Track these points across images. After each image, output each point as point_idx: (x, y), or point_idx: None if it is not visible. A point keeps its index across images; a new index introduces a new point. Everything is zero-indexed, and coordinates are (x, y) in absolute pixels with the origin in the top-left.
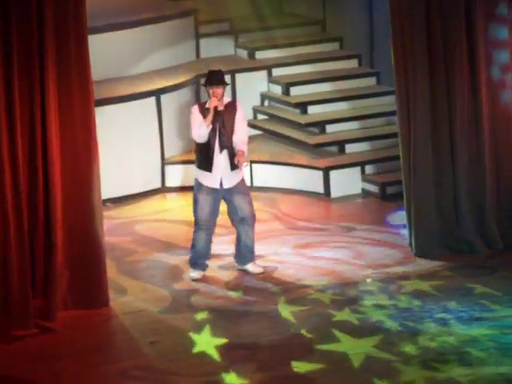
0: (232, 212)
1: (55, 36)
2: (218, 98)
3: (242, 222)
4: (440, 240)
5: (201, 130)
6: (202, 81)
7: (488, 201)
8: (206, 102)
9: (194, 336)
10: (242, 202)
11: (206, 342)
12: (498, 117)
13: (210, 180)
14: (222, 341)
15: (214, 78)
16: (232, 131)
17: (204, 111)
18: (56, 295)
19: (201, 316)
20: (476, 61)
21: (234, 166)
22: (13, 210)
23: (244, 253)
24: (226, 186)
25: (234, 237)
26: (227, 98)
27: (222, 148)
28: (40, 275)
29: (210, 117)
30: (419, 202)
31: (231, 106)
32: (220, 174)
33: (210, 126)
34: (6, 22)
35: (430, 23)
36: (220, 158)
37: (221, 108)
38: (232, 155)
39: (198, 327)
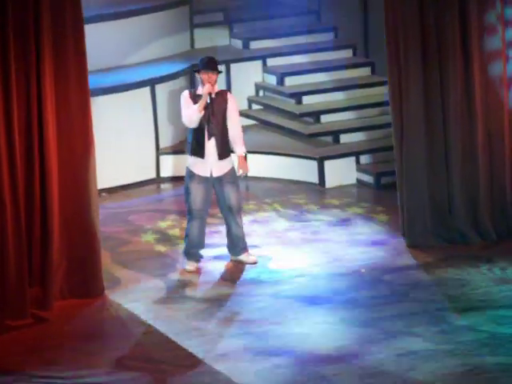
0: (221, 201)
1: (52, 27)
2: (212, 84)
3: (230, 210)
4: (433, 231)
5: (193, 115)
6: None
7: (481, 192)
8: (196, 89)
9: (187, 327)
10: (229, 190)
11: (201, 332)
12: (491, 110)
13: (201, 168)
14: (218, 331)
15: (210, 64)
16: (222, 120)
17: (195, 97)
18: (53, 284)
19: (195, 306)
20: (469, 52)
21: (221, 156)
22: (9, 199)
23: (235, 242)
24: (215, 175)
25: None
26: (219, 88)
27: (210, 135)
28: (37, 264)
29: (202, 102)
30: (412, 193)
31: (223, 95)
32: (210, 162)
33: (203, 112)
34: (2, 12)
35: (423, 16)
36: (209, 145)
37: (213, 95)
38: (221, 143)
39: (192, 317)
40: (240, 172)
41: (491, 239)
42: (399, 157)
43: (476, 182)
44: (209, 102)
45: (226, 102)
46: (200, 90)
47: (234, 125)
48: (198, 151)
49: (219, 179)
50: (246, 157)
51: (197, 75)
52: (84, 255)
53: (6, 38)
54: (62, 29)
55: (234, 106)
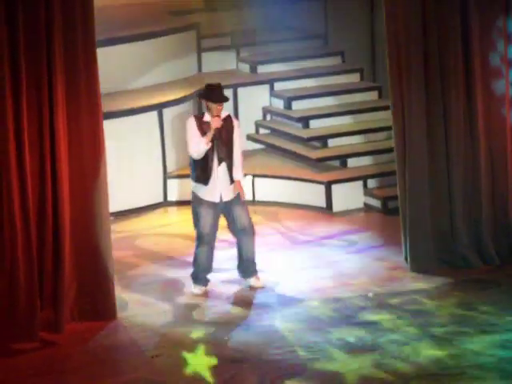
0: (231, 223)
1: (64, 50)
2: (219, 115)
3: (243, 232)
4: (436, 255)
5: (200, 147)
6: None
7: (484, 216)
8: (202, 115)
9: (195, 350)
10: (240, 212)
11: (206, 357)
12: (493, 132)
13: (209, 194)
14: (222, 355)
15: (217, 95)
16: (230, 145)
17: (202, 125)
18: (64, 307)
19: (202, 330)
20: (472, 72)
21: (232, 179)
22: (21, 222)
23: (247, 264)
24: (225, 199)
25: (235, 250)
26: (224, 112)
27: (220, 161)
28: (48, 287)
29: (209, 136)
30: (414, 217)
31: (228, 120)
32: (219, 187)
33: (210, 144)
34: (14, 34)
35: (426, 35)
36: (219, 171)
37: (220, 123)
38: (231, 168)
39: (199, 342)
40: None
41: (494, 263)
42: (402, 182)
43: (478, 205)
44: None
45: (232, 127)
46: (207, 117)
47: (236, 150)
48: (204, 178)
49: (228, 202)
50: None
51: (203, 102)
52: (95, 278)
53: (17, 61)
54: (74, 51)
55: (239, 131)
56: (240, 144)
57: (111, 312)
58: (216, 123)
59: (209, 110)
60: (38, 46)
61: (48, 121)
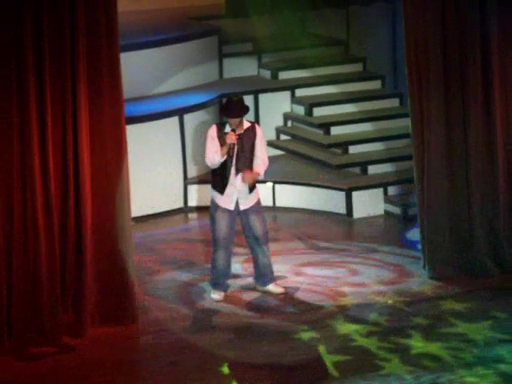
0: (247, 231)
1: (88, 55)
2: (236, 126)
3: (257, 241)
4: (454, 262)
5: (215, 158)
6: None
7: (502, 224)
8: (225, 124)
9: (215, 356)
10: (255, 220)
11: (227, 363)
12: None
13: (225, 201)
14: (242, 361)
15: (234, 110)
16: (250, 154)
17: (222, 134)
18: (86, 311)
19: (222, 336)
20: (490, 81)
21: (251, 190)
22: (44, 226)
23: (264, 272)
24: (242, 208)
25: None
26: (247, 122)
27: (237, 171)
28: (70, 291)
29: (224, 150)
30: (433, 225)
31: (251, 130)
32: (236, 196)
33: (225, 157)
34: (39, 41)
35: (445, 43)
36: (236, 182)
37: (240, 132)
38: None
39: (219, 347)
40: (245, 179)
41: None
42: (421, 189)
43: (497, 214)
44: (236, 143)
45: (255, 135)
46: (228, 129)
47: (261, 153)
48: (219, 188)
49: (245, 211)
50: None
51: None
52: (116, 282)
53: (41, 66)
54: (98, 56)
55: (261, 139)
56: (265, 148)
57: (133, 316)
58: (230, 139)
59: (228, 122)
60: (62, 51)
61: (71, 125)
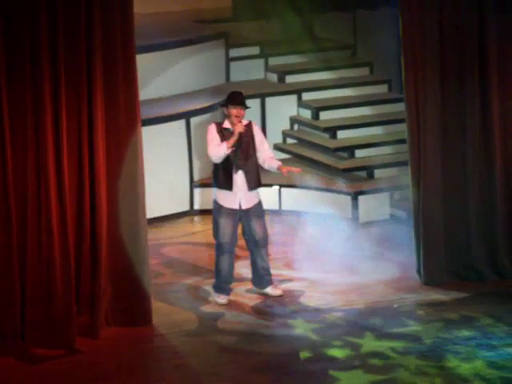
0: (247, 234)
1: (104, 59)
2: (241, 120)
3: (256, 244)
4: (449, 268)
5: (221, 151)
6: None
7: (499, 229)
8: (222, 123)
9: (219, 360)
10: (256, 224)
11: (233, 365)
12: (509, 145)
13: (230, 200)
14: (245, 365)
15: (239, 99)
16: (251, 152)
17: (222, 131)
18: (100, 312)
19: (226, 340)
20: (488, 82)
21: (251, 187)
22: (58, 226)
23: (262, 275)
24: (244, 207)
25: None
26: (244, 120)
27: (237, 169)
28: (85, 292)
29: (232, 141)
30: (428, 229)
31: (249, 127)
32: (239, 195)
33: (231, 149)
34: (54, 40)
35: (442, 43)
36: (237, 178)
37: (244, 128)
38: (250, 175)
39: (223, 351)
40: (289, 171)
41: (509, 276)
42: (416, 194)
43: (493, 219)
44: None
45: (252, 133)
46: (227, 124)
47: (266, 150)
48: (226, 184)
49: (246, 212)
50: None
51: (224, 110)
52: (131, 283)
53: (57, 66)
54: (113, 57)
55: (262, 135)
56: (267, 146)
57: (147, 318)
58: (239, 128)
59: (229, 117)
60: (77, 51)
61: (87, 125)
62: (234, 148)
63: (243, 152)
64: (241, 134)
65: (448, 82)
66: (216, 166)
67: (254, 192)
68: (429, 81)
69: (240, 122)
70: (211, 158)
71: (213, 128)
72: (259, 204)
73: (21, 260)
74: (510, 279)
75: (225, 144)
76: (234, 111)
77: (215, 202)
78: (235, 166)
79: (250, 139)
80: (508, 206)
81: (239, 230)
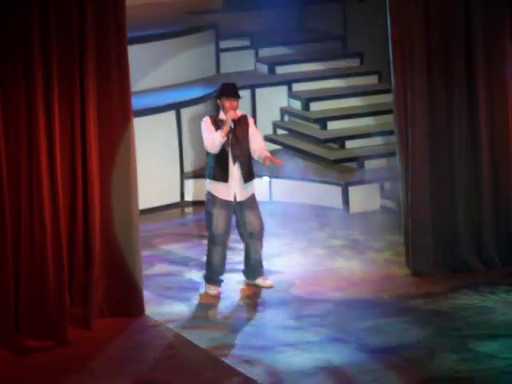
0: (241, 226)
1: (96, 50)
2: (235, 110)
3: (251, 236)
4: (437, 259)
5: (216, 140)
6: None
7: (486, 220)
8: (218, 115)
9: (211, 351)
10: (251, 216)
11: (224, 357)
12: (497, 136)
13: (224, 192)
14: (235, 356)
15: (232, 91)
16: (245, 143)
17: (217, 123)
18: (93, 303)
19: (217, 331)
20: (475, 79)
21: (246, 179)
22: (50, 219)
23: (254, 267)
24: (238, 199)
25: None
26: (239, 111)
27: (234, 160)
28: (77, 283)
29: (226, 128)
30: (416, 220)
31: (243, 119)
32: (233, 187)
33: (225, 138)
34: (46, 32)
35: (429, 39)
36: (233, 170)
37: (236, 115)
38: (246, 167)
39: (214, 342)
40: (270, 160)
41: (496, 267)
42: (404, 186)
43: (481, 210)
44: (232, 127)
45: (247, 125)
46: (222, 116)
47: (257, 142)
48: (222, 176)
49: (240, 204)
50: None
51: (218, 101)
52: (124, 274)
53: (49, 58)
54: (106, 48)
55: (254, 128)
56: (261, 137)
57: (139, 309)
58: (232, 115)
59: (223, 108)
60: (70, 43)
61: (79, 118)
62: (228, 139)
63: (239, 143)
64: (234, 121)
65: (435, 69)
66: (211, 157)
67: (248, 184)
68: (416, 68)
69: (235, 112)
70: (207, 149)
71: (207, 120)
72: (253, 196)
73: (14, 252)
74: (496, 269)
75: (219, 132)
76: (227, 103)
77: (209, 194)
78: (232, 157)
79: (245, 132)
80: (494, 198)
81: (232, 223)
